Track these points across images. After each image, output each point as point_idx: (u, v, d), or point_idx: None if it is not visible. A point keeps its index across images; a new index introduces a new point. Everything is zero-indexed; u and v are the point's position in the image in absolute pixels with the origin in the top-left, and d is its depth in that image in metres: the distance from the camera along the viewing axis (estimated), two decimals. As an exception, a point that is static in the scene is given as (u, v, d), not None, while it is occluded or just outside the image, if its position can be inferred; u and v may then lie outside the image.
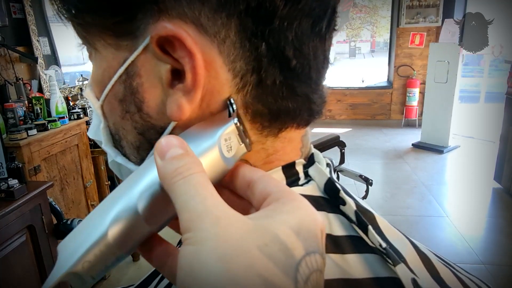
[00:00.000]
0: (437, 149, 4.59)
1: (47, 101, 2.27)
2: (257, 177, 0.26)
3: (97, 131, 0.34)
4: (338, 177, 2.80)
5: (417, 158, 4.46)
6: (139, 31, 0.26)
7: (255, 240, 0.20)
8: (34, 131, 1.95)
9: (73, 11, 0.29)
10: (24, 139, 1.86)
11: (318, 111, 0.32)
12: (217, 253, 0.19)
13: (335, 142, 2.65)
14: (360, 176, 2.69)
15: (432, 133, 4.71)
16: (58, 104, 2.26)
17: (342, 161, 2.72)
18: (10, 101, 2.14)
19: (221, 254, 0.19)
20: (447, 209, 3.19)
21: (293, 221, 0.22)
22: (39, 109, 2.20)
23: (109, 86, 0.30)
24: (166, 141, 0.23)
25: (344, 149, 2.69)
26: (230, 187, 0.28)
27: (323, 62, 0.30)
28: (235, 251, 0.19)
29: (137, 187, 0.25)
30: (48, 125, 2.06)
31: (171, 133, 0.29)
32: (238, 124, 0.26)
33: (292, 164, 0.32)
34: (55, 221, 1.86)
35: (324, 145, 2.59)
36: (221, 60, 0.26)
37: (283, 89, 0.28)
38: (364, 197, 2.75)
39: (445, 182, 3.85)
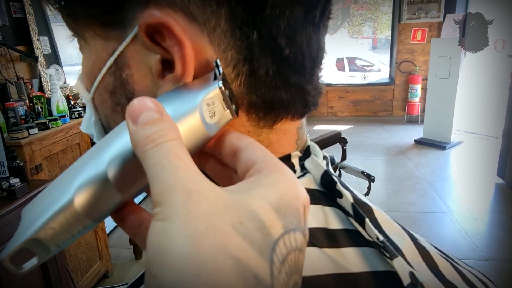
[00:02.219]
0: (440, 145, 4.57)
1: (48, 100, 2.27)
2: (244, 145, 0.24)
3: (89, 124, 0.33)
4: (340, 174, 2.79)
5: (420, 154, 4.44)
6: (128, 21, 0.26)
7: (230, 217, 0.18)
8: (35, 130, 1.95)
9: (62, 2, 0.28)
10: (25, 138, 1.86)
11: (313, 103, 0.31)
12: (186, 230, 0.17)
13: (337, 138, 2.64)
14: (362, 172, 2.68)
15: (435, 129, 4.69)
16: (59, 103, 2.25)
17: (343, 157, 2.72)
18: (11, 100, 2.14)
19: (190, 232, 0.17)
20: (449, 205, 3.17)
21: (273, 195, 0.20)
22: (40, 108, 2.19)
23: (99, 78, 0.29)
24: (140, 103, 0.21)
25: (345, 146, 2.68)
26: (216, 155, 0.26)
27: (318, 52, 0.29)
28: (206, 229, 0.17)
29: (108, 151, 0.22)
30: (49, 124, 2.05)
31: None
32: (223, 88, 0.24)
33: (288, 157, 0.32)
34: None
35: (325, 142, 2.58)
36: (212, 49, 0.26)
37: (276, 79, 0.27)
38: (367, 194, 2.74)
39: (448, 178, 3.83)
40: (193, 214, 0.18)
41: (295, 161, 0.32)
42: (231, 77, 0.27)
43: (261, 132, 0.30)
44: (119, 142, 0.22)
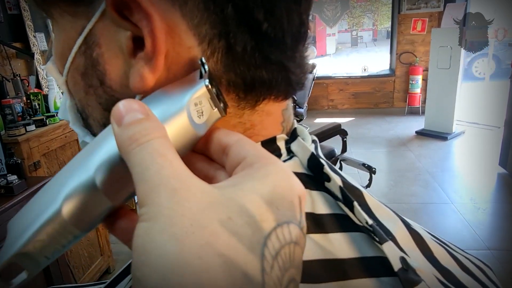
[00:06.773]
0: (441, 136, 4.55)
1: (45, 97, 2.26)
2: (233, 141, 0.23)
3: (65, 110, 0.32)
4: (341, 166, 2.78)
5: (421, 145, 4.42)
6: None
7: (217, 213, 0.18)
8: (33, 127, 1.94)
9: None
10: (23, 134, 1.85)
11: (297, 82, 0.30)
12: (170, 230, 0.17)
13: (337, 130, 2.62)
14: (363, 164, 2.67)
15: (436, 120, 4.66)
16: (56, 99, 2.24)
17: (344, 149, 2.70)
18: (8, 97, 2.13)
19: (174, 231, 0.16)
20: (452, 196, 3.16)
21: (265, 188, 0.19)
22: (37, 105, 2.18)
23: (70, 59, 0.28)
24: (124, 105, 0.21)
25: (346, 138, 2.67)
26: (206, 153, 0.25)
27: (299, 27, 0.28)
28: (191, 227, 0.17)
29: (94, 157, 0.22)
30: (47, 121, 2.04)
31: None
32: (210, 86, 0.23)
33: (273, 140, 0.30)
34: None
35: (325, 134, 2.56)
36: (185, 24, 0.24)
37: (255, 56, 0.26)
38: (368, 186, 2.73)
39: (450, 169, 3.81)
40: (178, 212, 0.17)
41: (281, 144, 0.31)
42: (206, 54, 0.25)
43: (242, 114, 0.28)
44: (106, 147, 0.22)
